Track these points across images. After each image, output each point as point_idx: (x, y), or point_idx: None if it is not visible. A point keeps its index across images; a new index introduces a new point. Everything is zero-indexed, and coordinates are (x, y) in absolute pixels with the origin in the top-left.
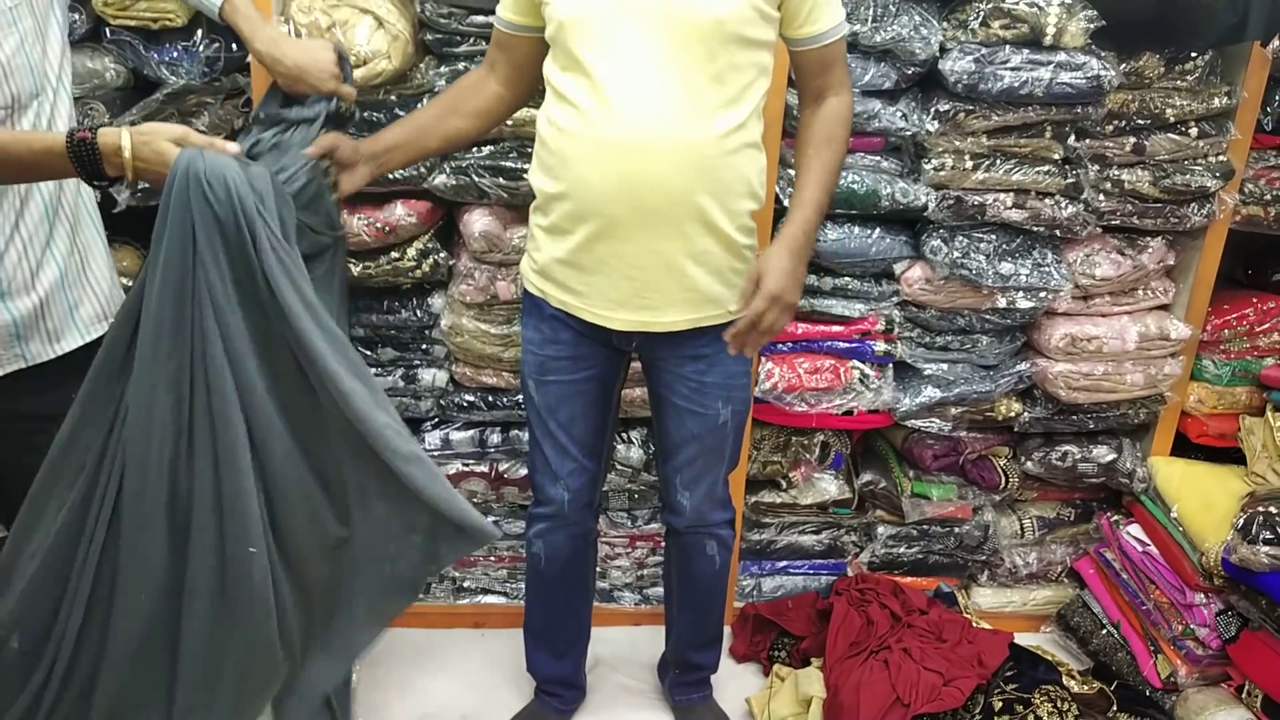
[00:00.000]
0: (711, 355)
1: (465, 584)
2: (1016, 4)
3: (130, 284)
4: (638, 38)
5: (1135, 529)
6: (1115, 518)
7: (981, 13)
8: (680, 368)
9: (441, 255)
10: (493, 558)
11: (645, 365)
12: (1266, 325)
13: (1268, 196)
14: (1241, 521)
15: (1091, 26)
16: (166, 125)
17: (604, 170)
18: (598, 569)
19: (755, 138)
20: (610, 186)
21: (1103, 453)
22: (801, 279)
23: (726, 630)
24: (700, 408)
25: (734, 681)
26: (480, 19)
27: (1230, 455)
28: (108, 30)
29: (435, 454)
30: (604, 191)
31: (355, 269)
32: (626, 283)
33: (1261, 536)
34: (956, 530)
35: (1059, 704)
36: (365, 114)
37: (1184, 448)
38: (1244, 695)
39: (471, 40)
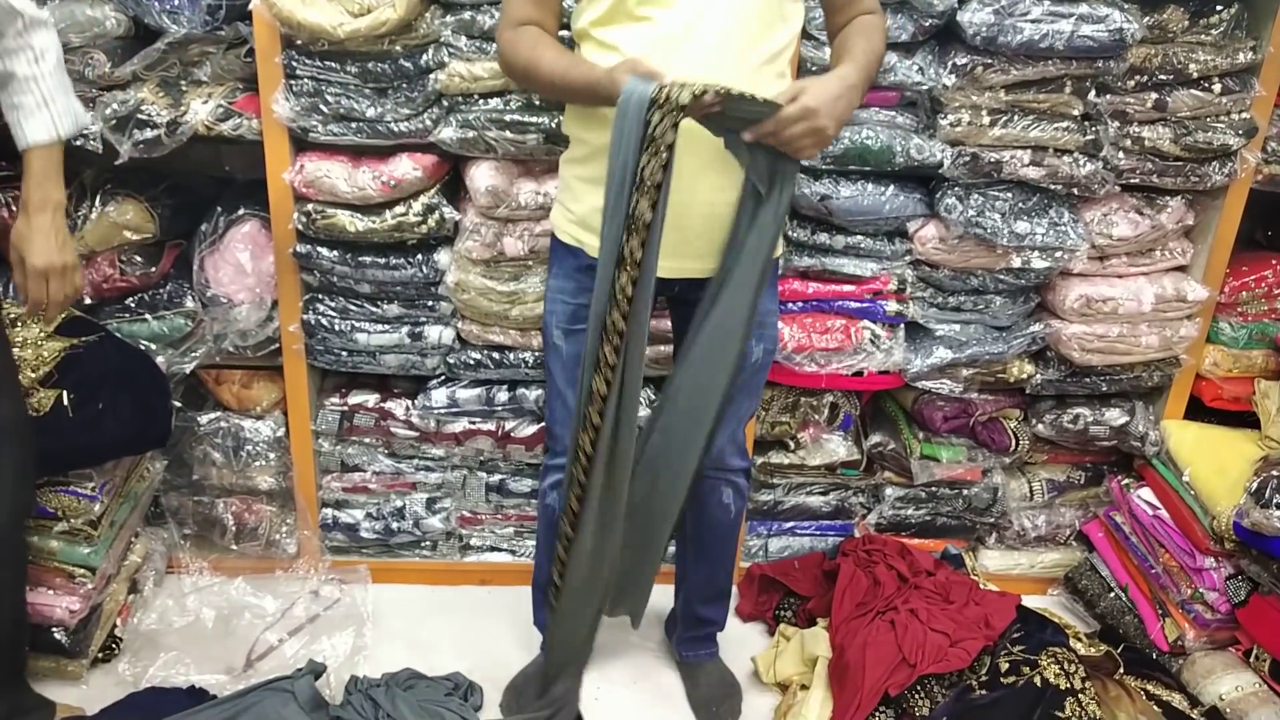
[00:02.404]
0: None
1: (472, 541)
2: None
3: (136, 238)
4: None
5: (1146, 492)
6: (1126, 481)
7: None
8: None
9: (447, 210)
10: (499, 515)
11: (675, 305)
12: None
13: None
14: (1255, 485)
15: None
16: None
17: None
18: None
19: (785, 69)
20: None
21: (1115, 415)
22: (842, 116)
23: (733, 590)
24: None
25: (740, 641)
26: None
27: (1244, 419)
28: None
29: (442, 412)
30: None
31: (360, 224)
32: (673, 232)
33: (1275, 500)
34: (965, 492)
35: (1065, 666)
36: (369, 64)
37: (1198, 411)
38: (1251, 659)
39: None
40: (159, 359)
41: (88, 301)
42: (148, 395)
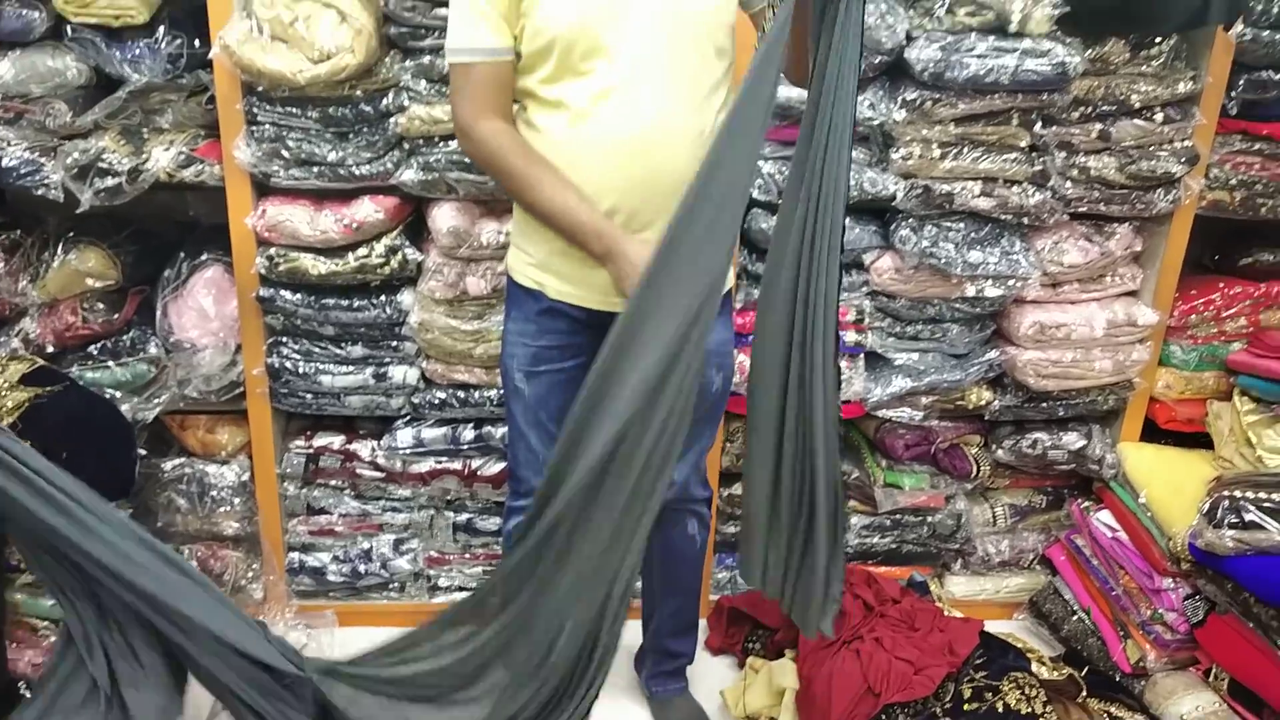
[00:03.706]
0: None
1: (440, 582)
2: None
3: (99, 285)
4: (633, 37)
5: (1105, 515)
6: (1086, 504)
7: (947, 1)
8: None
9: (410, 251)
10: (468, 555)
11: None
12: (1233, 310)
13: (1233, 181)
14: (1207, 506)
15: (1056, 13)
16: None
17: (620, 166)
18: None
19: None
20: (626, 181)
21: (1072, 439)
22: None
23: (702, 624)
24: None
25: (709, 674)
26: (444, 11)
27: (1199, 440)
28: (69, 28)
29: (407, 452)
30: (621, 186)
31: (323, 267)
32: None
33: (1226, 520)
34: (930, 519)
35: (1026, 690)
36: (330, 109)
37: (1154, 433)
38: (1211, 679)
39: (436, 34)
40: (123, 406)
41: (50, 350)
42: (112, 445)
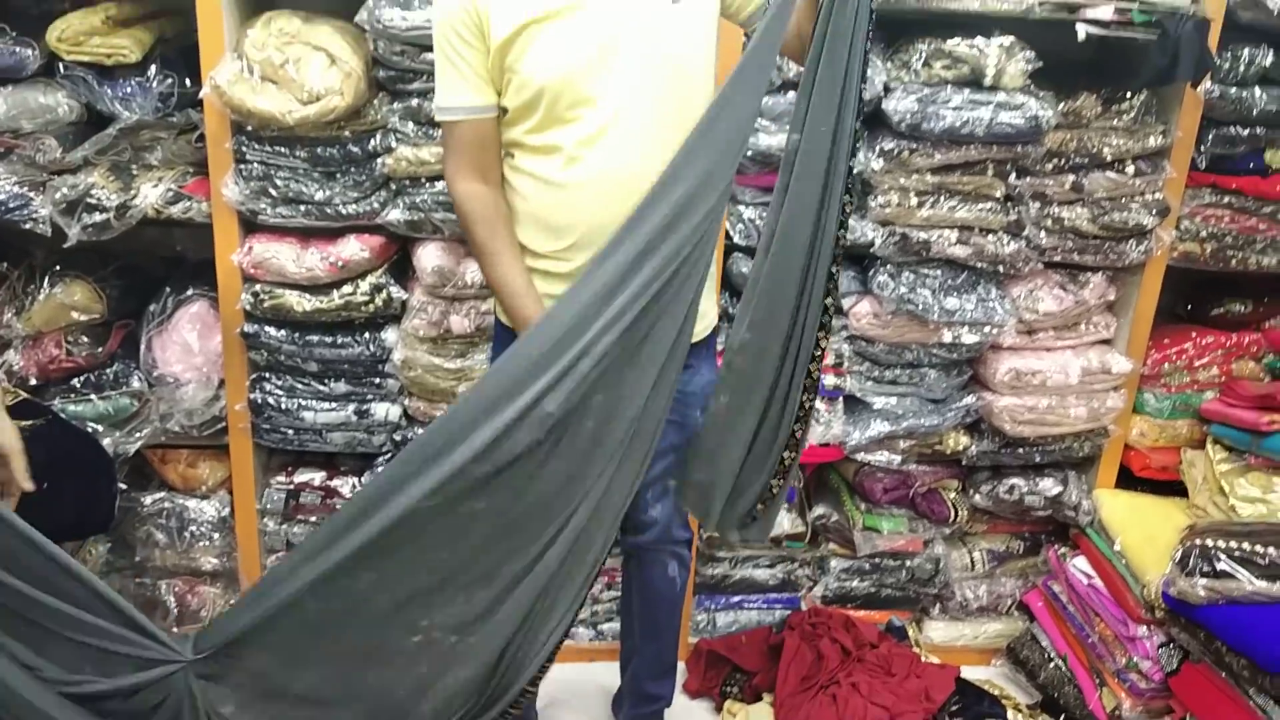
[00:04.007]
0: (695, 365)
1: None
2: (957, 46)
3: (84, 318)
4: (618, 83)
5: (1081, 561)
6: (1063, 550)
7: (924, 54)
8: None
9: (394, 289)
10: None
11: None
12: (1205, 359)
13: (1203, 233)
14: (1180, 554)
15: (1029, 68)
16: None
17: (609, 207)
18: None
19: None
20: (614, 222)
21: (1049, 486)
22: None
23: (681, 666)
24: (680, 418)
25: (687, 717)
26: (432, 56)
27: (1175, 488)
28: (61, 65)
29: None
30: (610, 227)
31: (307, 304)
32: None
33: (1199, 569)
34: (908, 563)
35: None
36: (319, 149)
37: (1130, 481)
38: None
39: (424, 78)
40: (105, 440)
41: (33, 382)
42: (93, 480)
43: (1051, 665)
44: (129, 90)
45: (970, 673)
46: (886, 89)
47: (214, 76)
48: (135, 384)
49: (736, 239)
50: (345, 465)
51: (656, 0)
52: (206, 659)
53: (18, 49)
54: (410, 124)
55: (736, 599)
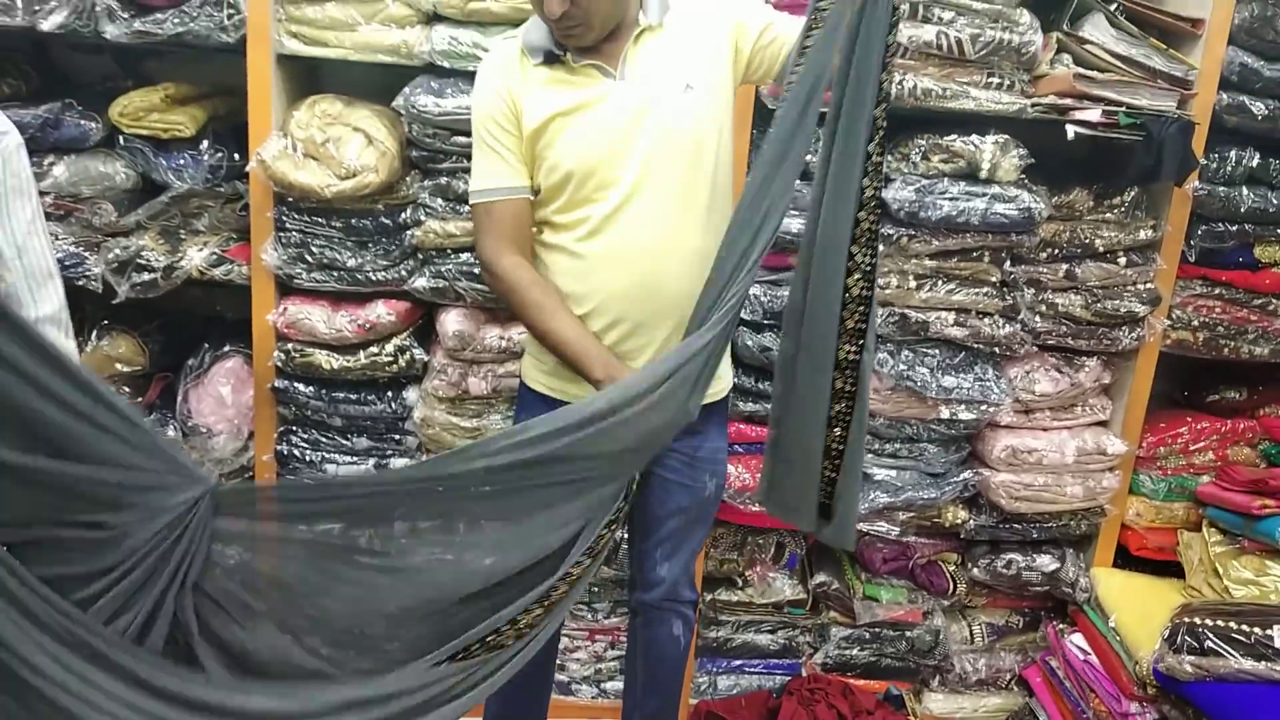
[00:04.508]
0: (705, 430)
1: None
2: (954, 141)
3: (126, 369)
4: (637, 164)
5: (1078, 637)
6: (1061, 627)
7: (922, 148)
8: (677, 442)
9: (417, 351)
10: None
11: None
12: (1201, 444)
13: (1195, 322)
14: (1168, 631)
15: (1022, 163)
16: None
17: (629, 278)
18: (556, 661)
19: None
20: (633, 292)
21: (1046, 562)
22: None
23: None
24: (690, 480)
25: None
26: (462, 139)
27: (1173, 569)
28: (121, 138)
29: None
30: (628, 296)
31: (335, 362)
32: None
33: (1186, 646)
34: (908, 634)
35: None
36: (353, 220)
37: (1129, 560)
38: None
39: (454, 158)
40: None
41: None
42: None
43: None
44: (182, 162)
45: None
46: (887, 179)
47: (260, 152)
48: (171, 433)
49: (744, 315)
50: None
51: (671, 89)
52: (230, 491)
53: (83, 122)
54: (439, 200)
55: (738, 663)
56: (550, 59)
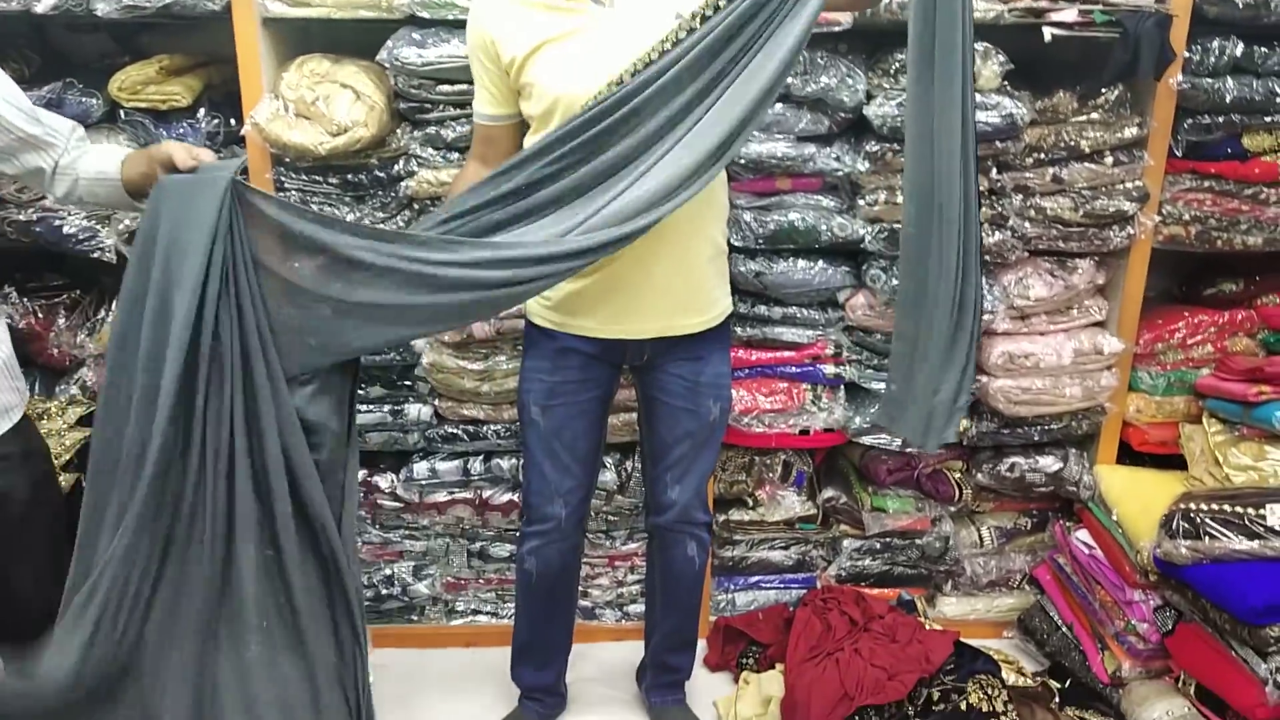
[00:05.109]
0: (707, 356)
1: (457, 606)
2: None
3: None
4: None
5: (1083, 534)
6: (1068, 524)
7: (901, 62)
8: (679, 369)
9: None
10: (481, 580)
11: (641, 373)
12: (1199, 337)
13: (1186, 216)
14: (1165, 519)
15: (1002, 69)
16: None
17: None
18: (579, 589)
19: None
20: None
21: (1049, 463)
22: None
23: (701, 644)
24: (694, 405)
25: (707, 689)
26: (447, 88)
27: (1178, 462)
28: (122, 112)
29: (424, 483)
30: None
31: None
32: (651, 296)
33: (1182, 530)
34: (918, 542)
35: (989, 690)
36: (349, 176)
37: (1134, 457)
38: (1180, 685)
39: (441, 107)
40: None
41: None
42: None
43: (1058, 634)
44: (182, 130)
45: (982, 644)
46: (868, 96)
47: (254, 115)
48: None
49: (735, 240)
50: (383, 463)
51: (660, 16)
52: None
53: (84, 99)
54: (430, 149)
55: (754, 579)
56: None
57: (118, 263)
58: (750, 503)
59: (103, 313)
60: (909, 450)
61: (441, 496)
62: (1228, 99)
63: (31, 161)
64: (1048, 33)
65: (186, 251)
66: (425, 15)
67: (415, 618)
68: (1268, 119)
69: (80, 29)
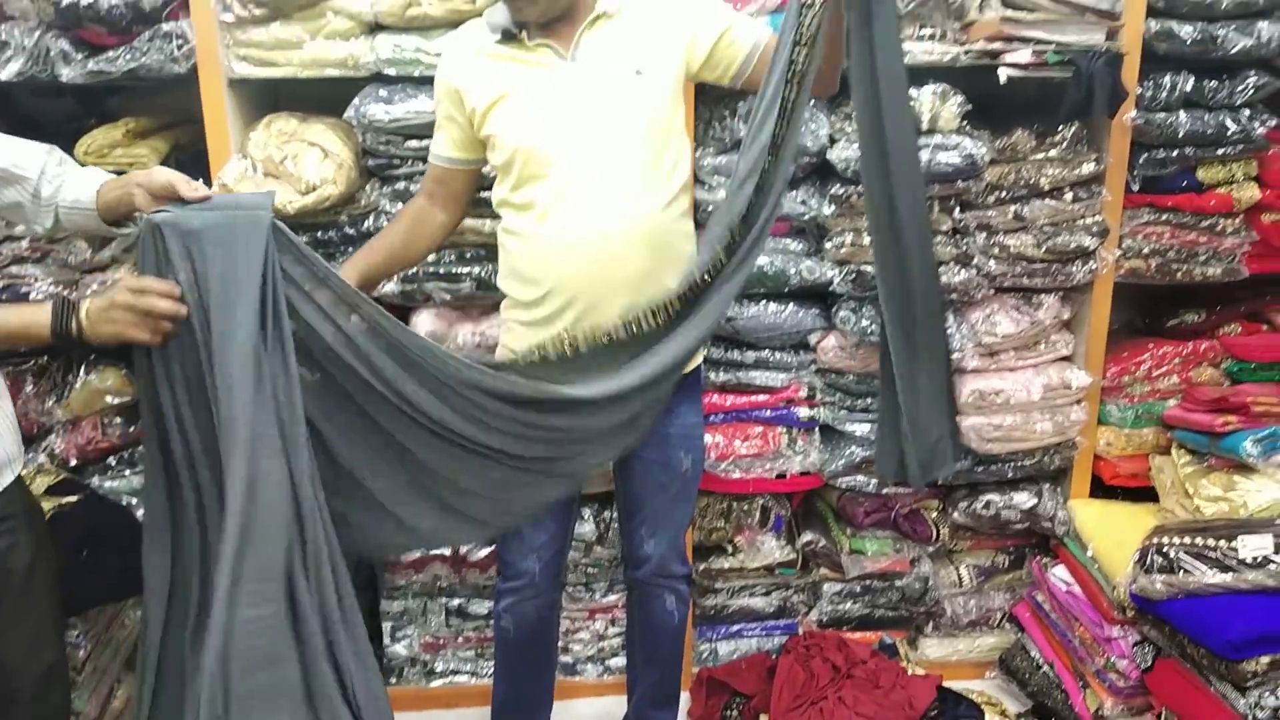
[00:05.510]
0: (675, 407)
1: (436, 667)
2: None
3: (117, 401)
4: (584, 144)
5: (1060, 570)
6: (1044, 560)
7: None
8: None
9: None
10: (460, 639)
11: None
12: (1164, 369)
13: (1146, 250)
14: (1140, 554)
15: (961, 110)
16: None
17: (580, 259)
18: (559, 643)
19: (688, 207)
20: (590, 272)
21: (1024, 499)
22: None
23: (685, 696)
24: (665, 458)
25: None
26: (415, 143)
27: (1151, 494)
28: None
29: None
30: (586, 278)
31: None
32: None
33: (1157, 565)
34: (898, 583)
35: None
36: (318, 234)
37: (1106, 490)
38: None
39: (409, 163)
40: (138, 512)
41: (73, 463)
42: (128, 549)
43: (1040, 672)
44: None
45: (965, 685)
46: (831, 140)
47: (222, 176)
48: None
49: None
50: None
51: (621, 73)
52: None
53: None
54: (399, 204)
55: (736, 627)
56: (508, 37)
57: None
58: (730, 549)
59: (71, 377)
60: (885, 491)
61: (416, 553)
62: (1181, 133)
63: (7, 196)
64: (1003, 74)
65: (237, 302)
66: (391, 72)
67: (393, 680)
68: (1220, 151)
69: (46, 94)
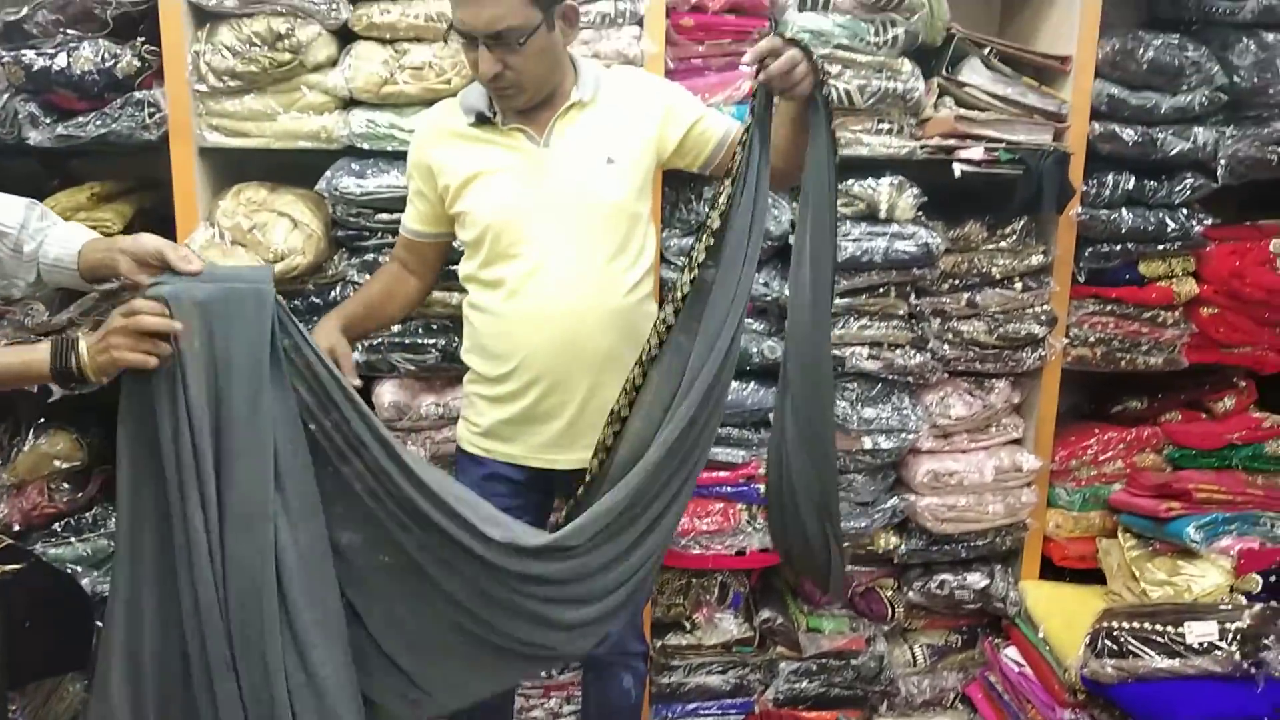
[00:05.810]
0: None
1: None
2: (853, 185)
3: (65, 466)
4: (554, 227)
5: (1012, 651)
6: (996, 641)
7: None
8: None
9: None
10: None
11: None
12: (1109, 453)
13: (1091, 339)
14: (1090, 638)
15: (917, 201)
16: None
17: (547, 338)
18: None
19: (652, 289)
20: (555, 350)
21: (977, 579)
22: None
23: None
24: None
25: None
26: (386, 216)
27: (1098, 576)
28: None
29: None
30: (550, 354)
31: None
32: (571, 428)
33: (1107, 650)
34: (854, 662)
35: None
36: (286, 302)
37: (1056, 571)
38: None
39: (379, 235)
40: (83, 580)
41: (16, 529)
42: (70, 618)
43: None
44: None
45: None
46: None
47: (189, 243)
48: (113, 526)
49: None
50: None
51: (592, 160)
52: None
53: None
54: (366, 275)
55: (692, 706)
56: (481, 120)
57: (38, 391)
58: (688, 626)
59: (17, 441)
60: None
61: None
62: (1124, 229)
63: None
64: (957, 169)
65: (243, 374)
66: (365, 146)
67: None
68: (1161, 247)
69: (8, 153)
